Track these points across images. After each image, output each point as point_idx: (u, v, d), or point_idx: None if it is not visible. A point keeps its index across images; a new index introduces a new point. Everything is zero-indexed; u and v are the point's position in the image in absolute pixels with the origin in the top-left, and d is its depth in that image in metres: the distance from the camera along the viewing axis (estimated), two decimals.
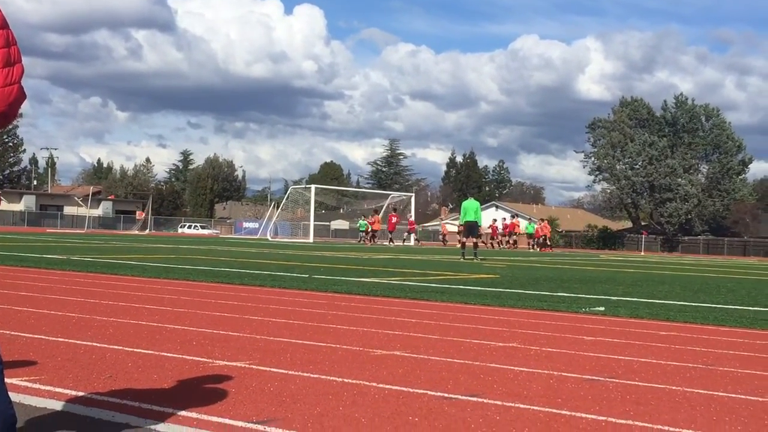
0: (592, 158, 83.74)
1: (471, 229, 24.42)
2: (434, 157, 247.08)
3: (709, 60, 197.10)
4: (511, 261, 25.19)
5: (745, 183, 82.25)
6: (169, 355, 5.11)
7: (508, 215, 60.32)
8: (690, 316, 8.71)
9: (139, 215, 71.39)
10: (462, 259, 23.58)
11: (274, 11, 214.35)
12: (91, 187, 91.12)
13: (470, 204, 24.83)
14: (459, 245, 26.55)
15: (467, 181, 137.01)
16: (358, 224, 55.18)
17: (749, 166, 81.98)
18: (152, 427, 3.41)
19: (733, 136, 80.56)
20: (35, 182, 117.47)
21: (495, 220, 53.18)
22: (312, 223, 54.73)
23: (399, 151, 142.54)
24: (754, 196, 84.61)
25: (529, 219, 56.15)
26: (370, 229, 49.32)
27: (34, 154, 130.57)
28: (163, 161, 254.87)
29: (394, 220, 48.36)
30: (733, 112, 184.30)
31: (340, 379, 4.50)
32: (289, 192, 61.80)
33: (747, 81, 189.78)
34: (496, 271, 17.70)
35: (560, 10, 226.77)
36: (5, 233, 38.61)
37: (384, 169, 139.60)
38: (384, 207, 59.81)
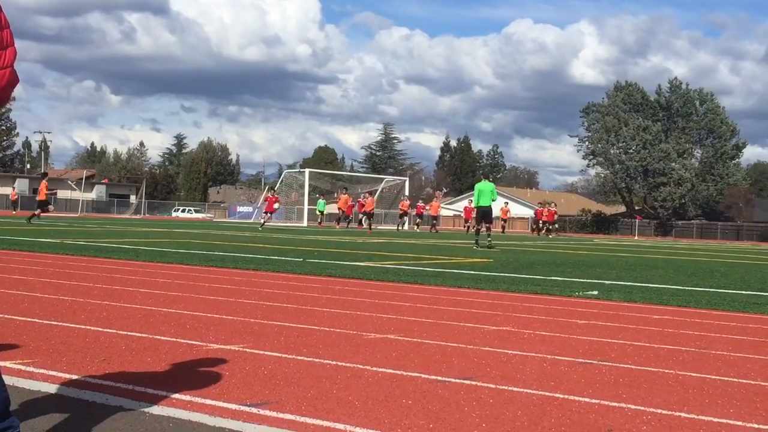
0: (586, 142, 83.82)
1: (485, 214, 22.31)
2: (428, 142, 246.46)
3: (703, 44, 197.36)
4: (505, 245, 25.21)
5: (739, 167, 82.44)
6: (162, 338, 5.11)
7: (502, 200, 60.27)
8: (683, 300, 8.74)
9: (13, 196, 66.84)
10: (476, 247, 21.37)
11: None
12: (85, 171, 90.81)
13: (484, 186, 22.17)
14: (473, 230, 23.45)
15: (461, 165, 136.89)
16: (317, 204, 50.69)
17: (743, 150, 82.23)
18: (146, 410, 3.41)
19: (726, 121, 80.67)
20: (28, 166, 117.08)
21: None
22: (306, 207, 54.68)
23: (393, 136, 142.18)
24: (747, 181, 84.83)
25: (549, 204, 54.57)
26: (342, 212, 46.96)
27: (27, 137, 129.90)
28: (156, 145, 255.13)
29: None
30: (727, 97, 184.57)
31: (334, 363, 4.51)
32: (283, 176, 61.81)
33: (741, 65, 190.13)
34: (490, 255, 17.72)
35: None
36: None
37: (378, 154, 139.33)
38: (378, 191, 59.84)
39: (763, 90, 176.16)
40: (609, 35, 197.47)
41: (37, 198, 33.44)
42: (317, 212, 49.84)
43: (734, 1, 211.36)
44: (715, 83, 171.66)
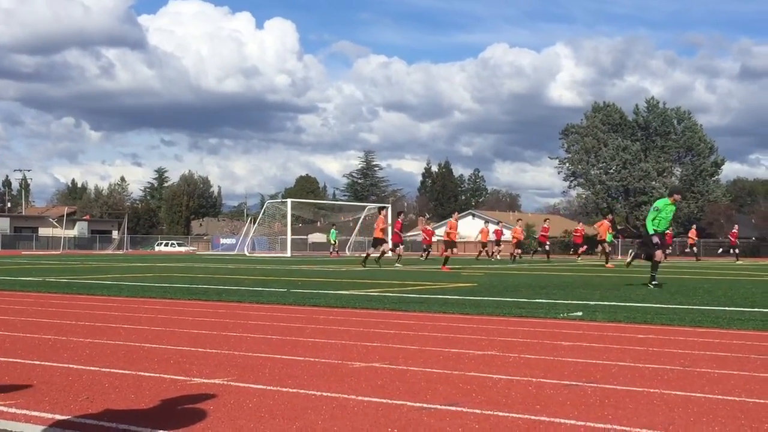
0: (567, 164, 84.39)
1: (643, 241, 16.24)
2: (410, 168, 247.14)
3: (678, 63, 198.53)
4: (489, 269, 25.25)
5: (719, 184, 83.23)
6: (146, 374, 5.07)
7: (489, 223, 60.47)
8: (667, 318, 8.77)
9: None
10: (650, 285, 14.51)
11: (244, 26, 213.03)
12: (66, 208, 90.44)
13: (661, 204, 15.34)
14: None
15: (443, 190, 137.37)
16: (330, 234, 52.00)
17: (722, 167, 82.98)
18: None
19: (705, 139, 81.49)
20: (9, 204, 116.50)
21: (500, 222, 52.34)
22: (289, 237, 54.64)
23: (374, 163, 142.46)
24: (727, 197, 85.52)
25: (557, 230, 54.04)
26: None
27: (7, 176, 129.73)
28: (138, 179, 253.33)
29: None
30: (703, 115, 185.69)
31: (319, 393, 4.49)
32: (265, 207, 61.72)
33: (716, 83, 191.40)
34: (474, 279, 17.73)
35: (529, 17, 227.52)
36: None
37: (360, 181, 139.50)
38: (360, 219, 59.86)
39: (740, 107, 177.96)
40: (585, 57, 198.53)
41: (374, 235, 28.31)
42: (330, 241, 50.89)
43: (707, 20, 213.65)
44: (692, 101, 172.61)
